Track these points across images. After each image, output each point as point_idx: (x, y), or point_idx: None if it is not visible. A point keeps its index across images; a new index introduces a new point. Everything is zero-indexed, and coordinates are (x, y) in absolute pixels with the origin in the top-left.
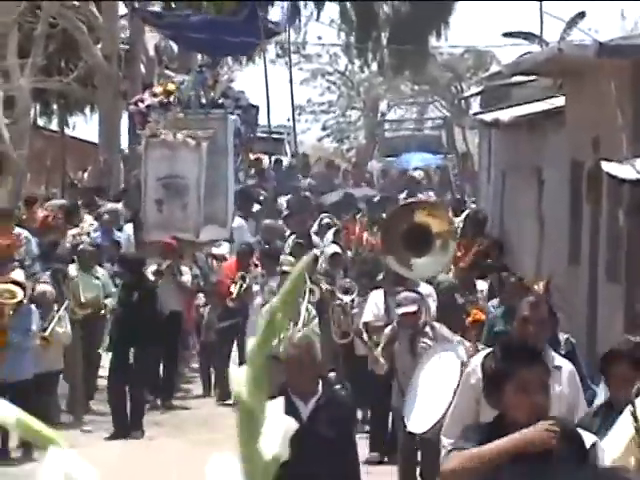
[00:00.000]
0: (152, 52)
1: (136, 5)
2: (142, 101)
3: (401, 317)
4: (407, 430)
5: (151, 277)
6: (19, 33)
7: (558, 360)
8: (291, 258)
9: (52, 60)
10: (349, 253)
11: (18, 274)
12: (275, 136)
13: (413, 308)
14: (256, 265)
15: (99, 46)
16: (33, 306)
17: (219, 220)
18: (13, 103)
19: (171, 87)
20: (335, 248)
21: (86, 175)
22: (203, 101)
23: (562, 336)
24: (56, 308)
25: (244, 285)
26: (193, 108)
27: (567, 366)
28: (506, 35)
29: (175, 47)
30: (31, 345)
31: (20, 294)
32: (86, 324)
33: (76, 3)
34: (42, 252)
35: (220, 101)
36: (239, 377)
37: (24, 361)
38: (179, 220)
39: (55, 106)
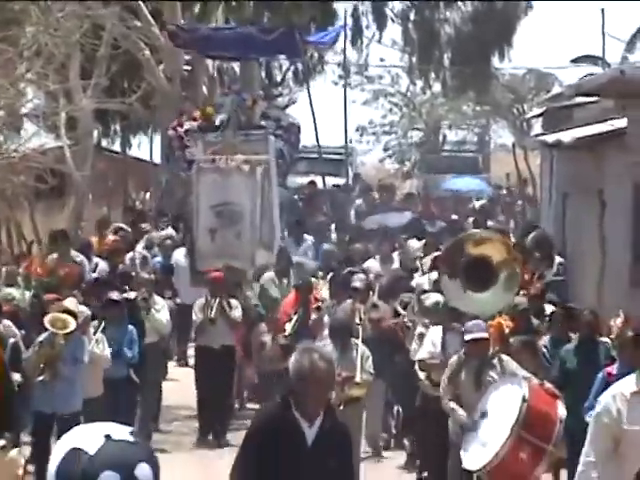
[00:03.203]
0: (214, 73)
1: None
2: (181, 125)
3: (470, 344)
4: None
5: (199, 315)
6: (81, 54)
7: None
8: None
9: (114, 81)
10: None
11: (71, 302)
12: (336, 157)
13: (484, 334)
14: (316, 299)
15: (161, 67)
16: (84, 336)
17: (265, 244)
18: (75, 124)
19: (210, 110)
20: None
21: (148, 196)
22: (262, 122)
23: None
24: (93, 330)
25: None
26: (232, 130)
27: None
28: (574, 61)
29: (237, 68)
30: (80, 376)
31: (72, 324)
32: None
33: (138, 24)
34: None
35: (260, 122)
36: None
37: (74, 392)
38: (233, 248)
39: (117, 127)
